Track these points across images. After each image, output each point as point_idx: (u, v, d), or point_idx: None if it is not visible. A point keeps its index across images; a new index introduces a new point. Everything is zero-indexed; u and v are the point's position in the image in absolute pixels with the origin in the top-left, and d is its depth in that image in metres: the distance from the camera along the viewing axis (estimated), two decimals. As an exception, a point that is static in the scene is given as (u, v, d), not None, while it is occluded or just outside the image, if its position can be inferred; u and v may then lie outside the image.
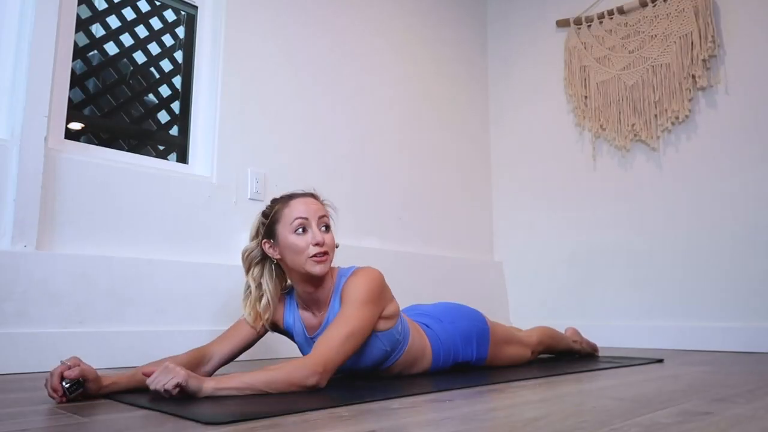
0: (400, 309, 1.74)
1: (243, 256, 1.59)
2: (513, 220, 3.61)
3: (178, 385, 1.15)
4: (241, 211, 2.46)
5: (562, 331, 2.29)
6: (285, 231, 1.49)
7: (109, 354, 1.90)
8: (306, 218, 1.48)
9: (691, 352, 2.64)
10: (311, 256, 1.46)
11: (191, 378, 1.17)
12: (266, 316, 1.56)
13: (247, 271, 1.59)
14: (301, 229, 1.48)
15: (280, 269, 1.59)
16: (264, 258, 1.57)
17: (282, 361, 1.45)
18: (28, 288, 1.83)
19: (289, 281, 1.63)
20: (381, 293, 1.50)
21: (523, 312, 3.45)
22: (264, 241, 1.53)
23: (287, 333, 1.63)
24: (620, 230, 3.16)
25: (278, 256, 1.52)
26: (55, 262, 1.90)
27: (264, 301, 1.56)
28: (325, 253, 1.48)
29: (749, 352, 2.59)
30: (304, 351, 1.60)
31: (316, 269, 1.47)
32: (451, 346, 1.75)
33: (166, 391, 1.16)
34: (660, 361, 2.19)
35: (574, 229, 3.33)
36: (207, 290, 2.23)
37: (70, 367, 1.19)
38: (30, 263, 1.84)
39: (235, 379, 1.23)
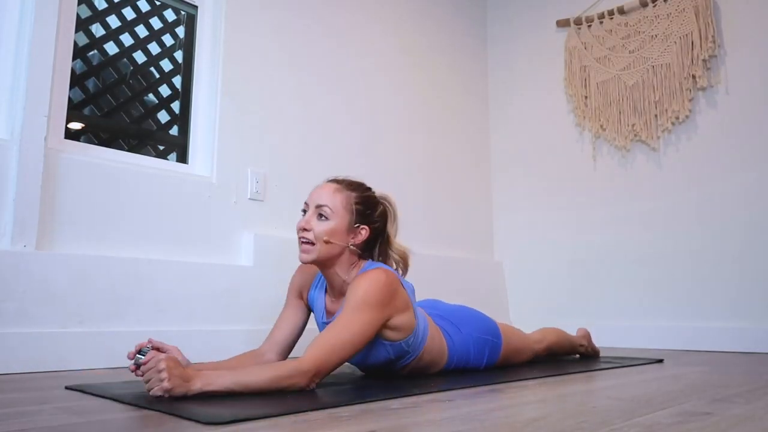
0: (422, 314, 1.69)
1: None
2: (513, 220, 3.61)
3: (161, 396, 1.15)
4: (241, 211, 2.46)
5: (573, 332, 2.31)
6: None
7: (109, 354, 1.90)
8: (306, 203, 1.55)
9: (691, 352, 2.64)
10: (299, 239, 1.51)
11: (177, 387, 1.14)
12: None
13: None
14: (302, 212, 1.55)
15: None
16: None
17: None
18: (28, 288, 1.83)
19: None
20: (386, 299, 1.43)
21: (523, 312, 3.45)
22: None
23: (310, 308, 1.66)
24: (620, 230, 3.16)
25: None
26: (55, 262, 1.89)
27: None
28: (307, 241, 1.50)
29: (749, 352, 2.59)
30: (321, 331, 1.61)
31: (300, 255, 1.52)
32: (464, 354, 1.76)
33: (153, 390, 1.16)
34: (660, 361, 2.19)
35: (574, 229, 3.33)
36: (207, 290, 2.23)
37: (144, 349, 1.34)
38: (30, 263, 1.84)
39: (225, 378, 1.21)
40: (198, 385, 1.17)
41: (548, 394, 1.35)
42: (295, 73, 2.76)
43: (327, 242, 1.49)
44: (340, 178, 1.60)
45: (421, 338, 1.59)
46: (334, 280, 1.55)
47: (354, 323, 1.37)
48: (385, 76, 3.19)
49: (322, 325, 1.61)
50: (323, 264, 1.53)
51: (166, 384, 1.13)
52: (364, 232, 1.55)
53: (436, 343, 1.66)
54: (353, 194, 1.55)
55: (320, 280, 1.63)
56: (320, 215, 1.51)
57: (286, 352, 1.60)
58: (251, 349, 1.63)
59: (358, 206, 1.54)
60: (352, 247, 1.53)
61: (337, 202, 1.52)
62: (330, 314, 1.59)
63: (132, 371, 1.35)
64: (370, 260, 1.58)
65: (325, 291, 1.62)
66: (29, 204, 1.89)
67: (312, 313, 1.67)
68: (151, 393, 1.16)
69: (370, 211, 1.57)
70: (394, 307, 1.46)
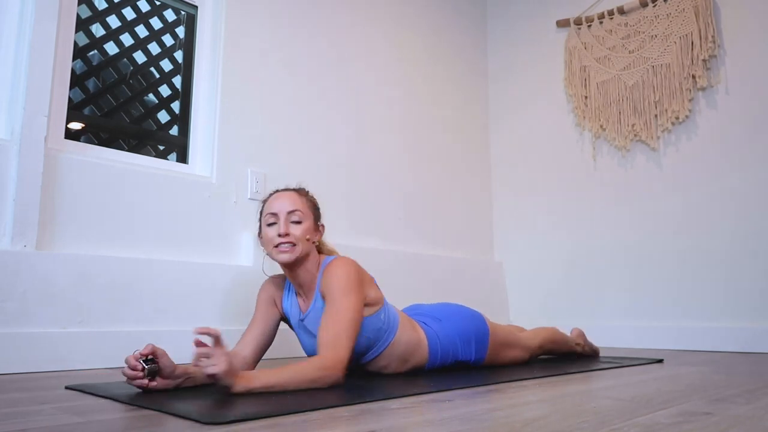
0: (400, 309, 1.81)
1: None
2: (513, 220, 3.61)
3: (212, 376, 1.19)
4: (241, 211, 2.47)
5: (568, 332, 2.30)
6: (263, 224, 1.65)
7: (109, 354, 1.90)
8: (275, 213, 1.61)
9: (691, 352, 2.64)
10: (275, 246, 1.58)
11: (228, 375, 1.20)
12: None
13: None
14: (272, 222, 1.61)
15: None
16: None
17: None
18: (28, 288, 1.83)
19: None
20: (359, 278, 1.57)
21: (523, 312, 3.45)
22: (258, 236, 1.69)
23: (286, 319, 1.73)
24: (620, 230, 3.16)
25: (263, 248, 1.66)
26: (55, 262, 1.90)
27: None
28: (291, 244, 1.58)
29: (749, 352, 2.59)
30: (298, 333, 1.70)
31: (281, 257, 1.59)
32: (450, 345, 1.79)
33: (204, 373, 1.20)
34: (660, 361, 2.19)
35: (574, 229, 3.33)
36: (207, 290, 2.23)
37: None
38: (30, 263, 1.84)
39: (262, 378, 1.27)
40: (242, 384, 1.23)
41: (548, 394, 1.35)
42: (294, 73, 2.76)
43: (308, 240, 1.62)
44: (284, 187, 1.72)
45: (393, 317, 1.68)
46: (305, 278, 1.64)
47: (347, 307, 1.49)
48: (384, 76, 3.19)
49: (299, 323, 1.67)
50: (299, 263, 1.62)
51: (224, 365, 1.18)
52: (322, 228, 1.71)
53: (407, 330, 1.72)
54: (308, 197, 1.70)
55: (289, 289, 1.71)
56: (295, 221, 1.61)
57: (259, 352, 1.65)
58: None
59: (314, 206, 1.69)
60: (316, 242, 1.67)
61: (304, 205, 1.65)
62: (303, 312, 1.66)
63: (145, 386, 1.28)
64: (325, 255, 1.70)
65: (296, 294, 1.70)
66: (29, 204, 1.89)
67: (286, 322, 1.74)
68: (205, 370, 1.19)
69: (319, 210, 1.72)
70: (366, 284, 1.61)
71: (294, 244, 1.58)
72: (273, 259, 1.62)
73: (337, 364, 1.38)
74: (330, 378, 1.36)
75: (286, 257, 1.58)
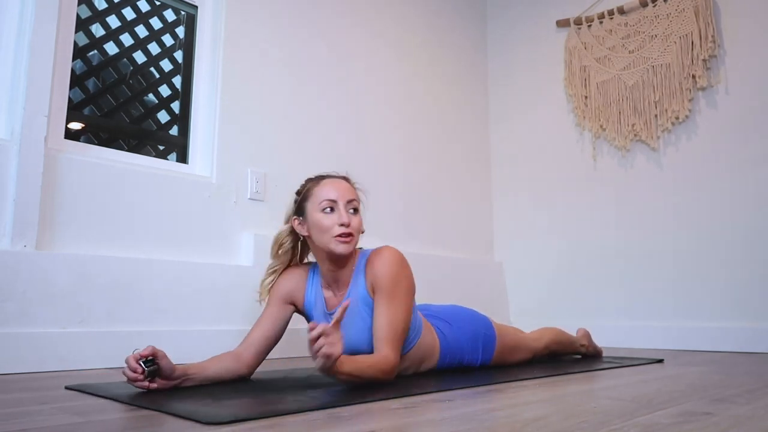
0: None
1: (275, 240, 1.66)
2: (513, 220, 3.61)
3: (327, 356, 1.18)
4: (241, 211, 2.46)
5: (574, 332, 2.30)
6: (313, 209, 1.54)
7: (109, 354, 1.90)
8: (334, 200, 1.53)
9: (691, 352, 2.64)
10: (336, 236, 1.51)
11: (334, 358, 1.20)
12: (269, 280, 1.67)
13: (275, 254, 1.66)
14: (329, 209, 1.52)
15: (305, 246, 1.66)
16: (295, 240, 1.64)
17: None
18: (28, 288, 1.83)
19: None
20: (411, 272, 1.55)
21: (523, 312, 3.45)
22: (294, 218, 1.59)
23: (305, 312, 1.66)
24: (620, 230, 3.16)
25: (306, 233, 1.57)
26: (55, 262, 1.89)
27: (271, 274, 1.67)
28: (350, 234, 1.51)
29: (749, 352, 2.59)
30: None
31: (340, 248, 1.51)
32: (458, 349, 1.77)
33: (318, 354, 1.19)
34: (660, 361, 2.19)
35: (575, 229, 3.33)
36: (206, 290, 2.23)
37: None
38: (30, 263, 1.84)
39: (345, 366, 1.27)
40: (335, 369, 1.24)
41: (548, 394, 1.35)
42: (294, 73, 2.76)
43: (362, 232, 1.58)
44: (334, 173, 1.64)
45: (418, 318, 1.65)
46: (344, 273, 1.58)
47: (408, 308, 1.50)
48: (384, 75, 3.19)
49: (324, 317, 1.59)
50: (349, 256, 1.56)
51: (339, 349, 1.20)
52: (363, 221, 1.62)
53: (428, 338, 1.69)
54: (354, 185, 1.63)
55: (314, 280, 1.63)
56: (354, 209, 1.56)
57: (263, 353, 1.59)
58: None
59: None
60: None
61: (358, 196, 1.60)
62: (332, 307, 1.59)
63: (146, 387, 1.28)
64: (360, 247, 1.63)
65: (321, 287, 1.62)
66: (29, 204, 1.89)
67: (301, 314, 1.68)
68: (322, 350, 1.18)
69: None
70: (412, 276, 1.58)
71: (352, 235, 1.52)
72: (324, 248, 1.53)
73: (394, 368, 1.42)
74: (386, 380, 1.40)
75: (344, 248, 1.50)
